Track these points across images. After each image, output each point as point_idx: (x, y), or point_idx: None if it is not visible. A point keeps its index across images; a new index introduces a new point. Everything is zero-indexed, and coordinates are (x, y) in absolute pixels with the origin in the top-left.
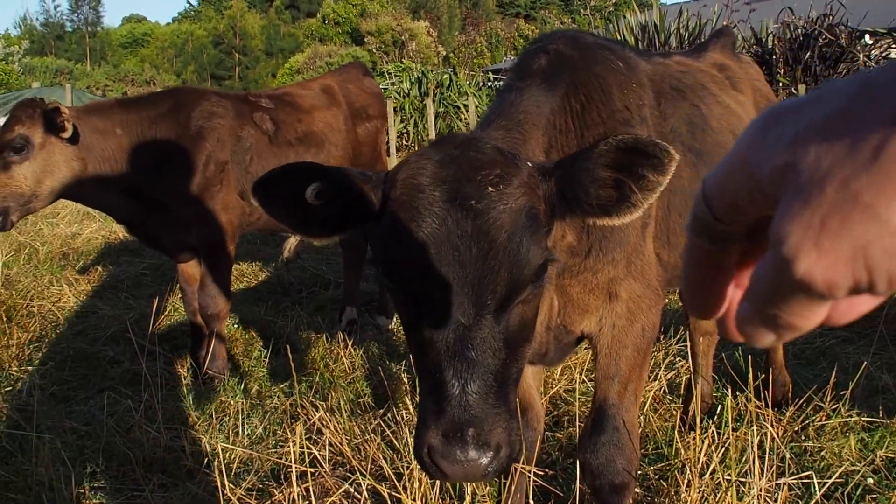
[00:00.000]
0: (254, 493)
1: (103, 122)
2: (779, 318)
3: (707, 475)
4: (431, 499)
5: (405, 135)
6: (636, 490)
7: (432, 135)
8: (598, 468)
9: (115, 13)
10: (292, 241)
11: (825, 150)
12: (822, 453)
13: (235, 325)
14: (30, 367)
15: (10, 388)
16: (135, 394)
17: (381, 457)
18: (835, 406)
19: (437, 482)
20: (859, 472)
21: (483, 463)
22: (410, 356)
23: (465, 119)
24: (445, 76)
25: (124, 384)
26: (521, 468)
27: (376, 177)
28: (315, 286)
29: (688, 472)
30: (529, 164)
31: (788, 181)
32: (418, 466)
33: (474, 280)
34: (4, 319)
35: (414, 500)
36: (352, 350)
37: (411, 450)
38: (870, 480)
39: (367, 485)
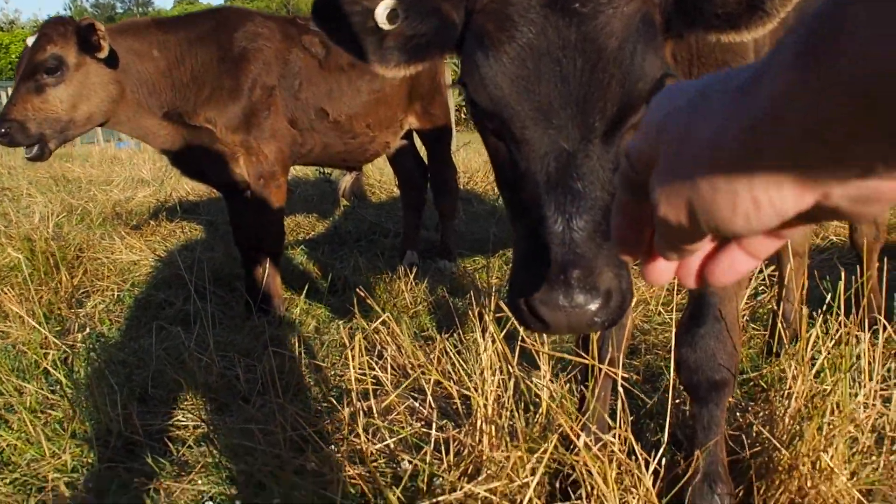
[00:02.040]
0: (312, 412)
1: (139, 42)
2: (674, 242)
3: (811, 375)
4: (505, 400)
5: (464, 107)
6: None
7: None
8: (697, 362)
9: None
10: (348, 180)
11: (675, 127)
12: None
13: (291, 268)
14: (80, 311)
15: (59, 327)
16: (187, 332)
17: (448, 367)
18: None
19: (511, 384)
20: None
21: (591, 310)
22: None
23: None
24: None
25: (177, 323)
26: (607, 369)
27: None
28: (374, 234)
29: (789, 376)
30: None
31: (662, 143)
32: (489, 369)
33: (579, 98)
34: (52, 265)
35: (486, 400)
36: (414, 286)
37: (506, 302)
38: None
39: (433, 381)
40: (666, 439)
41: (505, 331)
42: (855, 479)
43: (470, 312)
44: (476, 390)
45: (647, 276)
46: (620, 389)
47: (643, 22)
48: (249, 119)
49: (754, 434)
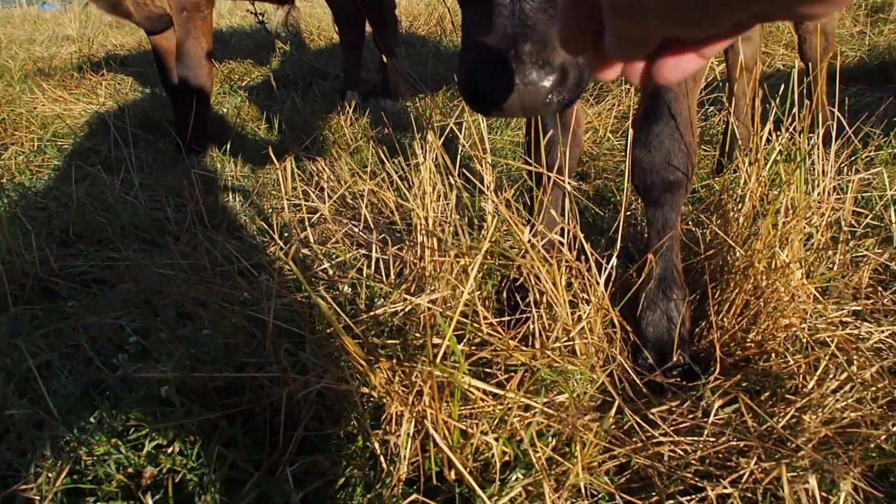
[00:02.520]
0: (245, 245)
1: None
2: (626, 46)
3: (765, 172)
4: (448, 214)
5: None
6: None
7: None
8: (651, 162)
9: None
10: (280, 14)
11: None
12: (874, 183)
13: (225, 111)
14: None
15: None
16: (113, 177)
17: (388, 191)
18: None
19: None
20: None
21: (545, 87)
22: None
23: None
24: None
25: (105, 170)
26: (556, 177)
27: None
28: (313, 77)
29: (741, 178)
30: None
31: None
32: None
33: None
34: None
35: (426, 212)
36: (354, 122)
37: (457, 85)
38: None
39: (370, 199)
40: (619, 245)
41: (444, 138)
42: (811, 276)
43: (414, 146)
44: (416, 204)
45: (592, 70)
46: (570, 201)
47: None
48: None
49: (708, 238)
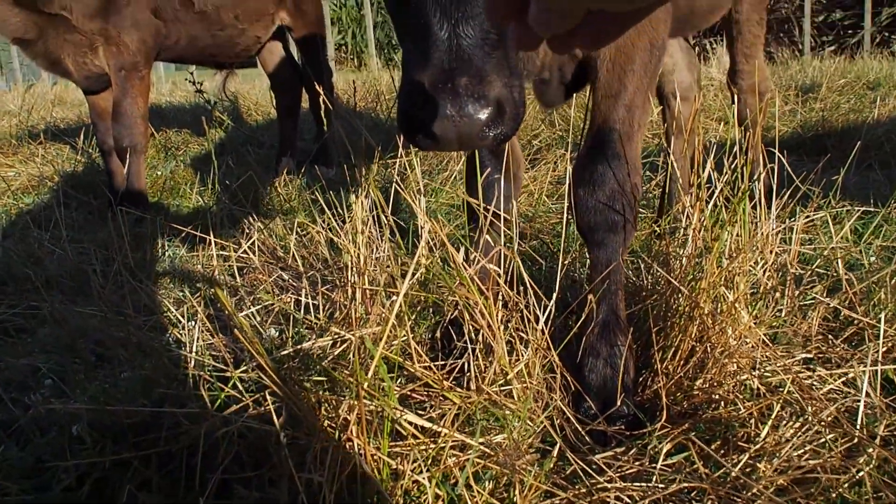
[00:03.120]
0: (170, 296)
1: None
2: (551, 23)
3: (707, 213)
4: (381, 252)
5: (343, 46)
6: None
7: (372, 47)
8: (596, 202)
9: None
10: (219, 78)
11: None
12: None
13: (158, 173)
14: None
15: None
16: (43, 233)
17: (320, 249)
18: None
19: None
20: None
21: (481, 119)
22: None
23: None
24: None
25: (35, 226)
26: (491, 209)
27: None
28: (249, 145)
29: (683, 220)
30: None
31: None
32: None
33: None
34: None
35: (358, 249)
36: (288, 183)
37: (395, 119)
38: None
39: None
40: (558, 287)
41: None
42: (758, 322)
43: (349, 200)
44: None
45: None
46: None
47: None
48: (108, 6)
49: (651, 282)
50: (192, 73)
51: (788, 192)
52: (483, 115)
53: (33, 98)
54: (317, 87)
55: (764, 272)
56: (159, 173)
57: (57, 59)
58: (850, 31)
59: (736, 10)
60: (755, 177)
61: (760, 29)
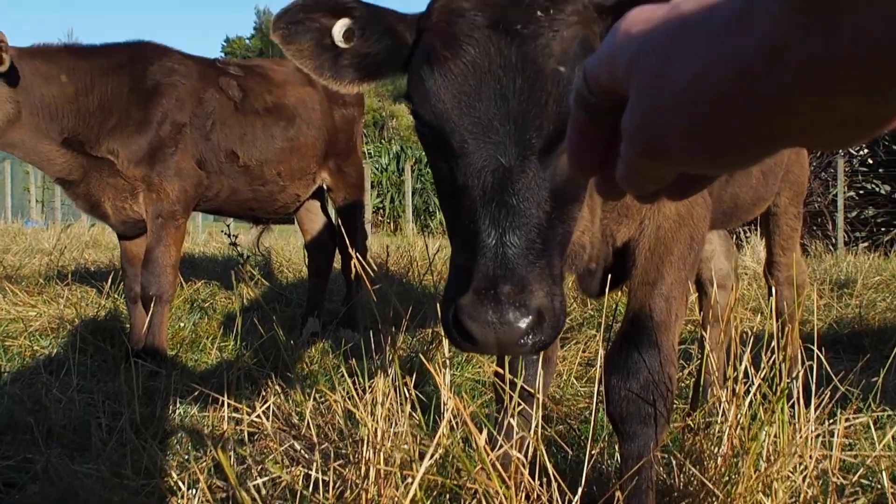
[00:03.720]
0: (177, 459)
1: (47, 66)
2: (640, 181)
3: (745, 408)
4: (401, 428)
5: (381, 209)
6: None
7: (409, 212)
8: (629, 391)
9: None
10: (255, 232)
11: (652, 62)
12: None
13: (182, 324)
14: None
15: None
16: (53, 379)
17: (339, 419)
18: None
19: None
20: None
21: (520, 328)
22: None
23: None
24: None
25: (46, 371)
26: (518, 388)
27: (411, 16)
28: (277, 303)
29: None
30: None
31: (635, 77)
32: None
33: (518, 115)
34: None
35: (376, 423)
36: (310, 345)
37: (440, 318)
38: None
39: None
40: (584, 476)
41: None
42: None
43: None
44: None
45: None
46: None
47: (581, 46)
48: (154, 154)
49: (682, 481)
50: (228, 226)
51: (827, 392)
52: (523, 323)
53: (68, 238)
54: (350, 249)
55: (804, 479)
56: (182, 325)
57: (97, 201)
58: (882, 229)
59: (775, 203)
60: (793, 375)
61: (797, 222)
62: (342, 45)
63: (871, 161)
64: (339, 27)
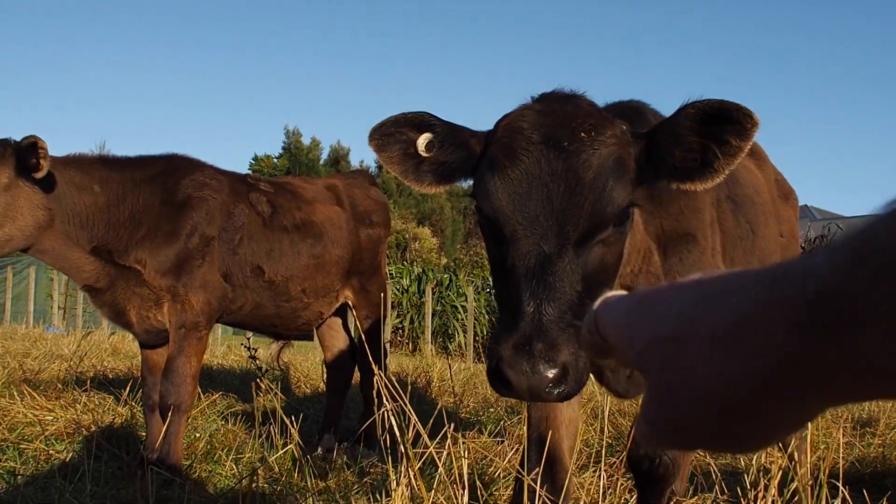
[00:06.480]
0: None
1: (81, 175)
2: (657, 443)
3: None
4: None
5: (401, 330)
6: None
7: (428, 334)
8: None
9: None
10: (275, 347)
11: (665, 360)
12: None
13: (198, 434)
14: None
15: None
16: (67, 484)
17: None
18: None
19: None
20: None
21: (548, 377)
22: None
23: (462, 319)
24: (446, 276)
25: (60, 476)
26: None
27: (481, 132)
28: (294, 417)
29: None
30: (623, 125)
31: (650, 369)
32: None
33: (560, 213)
34: None
35: None
36: (325, 460)
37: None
38: None
39: None
40: None
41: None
42: None
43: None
44: None
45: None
46: None
47: (616, 161)
48: (181, 265)
49: None
50: (248, 339)
51: None
52: (550, 373)
53: (89, 345)
54: (373, 366)
55: None
56: (198, 435)
57: (122, 310)
58: None
59: None
60: None
61: None
62: (424, 154)
63: None
64: (423, 140)
